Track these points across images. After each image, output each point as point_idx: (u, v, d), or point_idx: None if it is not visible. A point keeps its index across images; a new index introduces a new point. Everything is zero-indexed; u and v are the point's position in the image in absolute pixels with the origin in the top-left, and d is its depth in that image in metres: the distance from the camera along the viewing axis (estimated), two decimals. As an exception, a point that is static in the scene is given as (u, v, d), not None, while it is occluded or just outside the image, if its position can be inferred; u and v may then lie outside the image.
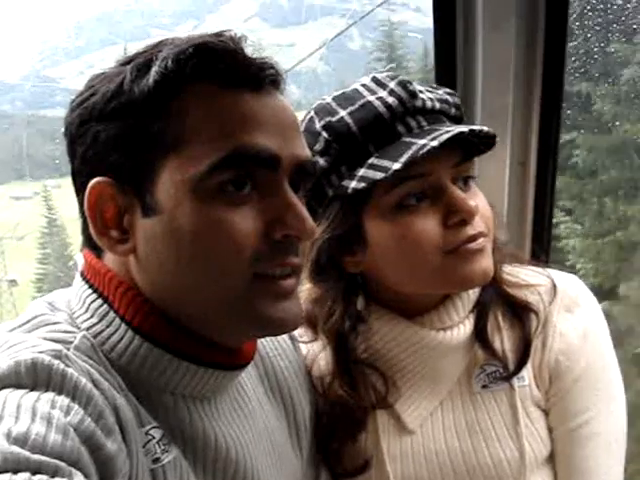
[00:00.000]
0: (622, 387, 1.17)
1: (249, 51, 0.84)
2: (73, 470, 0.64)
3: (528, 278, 1.17)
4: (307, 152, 0.89)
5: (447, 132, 1.00)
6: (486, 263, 1.06)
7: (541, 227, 1.66)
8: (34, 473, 0.60)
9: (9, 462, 0.60)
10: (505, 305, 1.15)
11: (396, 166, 0.99)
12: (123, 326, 0.84)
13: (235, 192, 0.81)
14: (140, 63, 0.82)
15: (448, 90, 1.13)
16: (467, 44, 1.53)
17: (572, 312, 1.14)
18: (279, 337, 1.13)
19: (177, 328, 0.85)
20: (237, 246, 0.80)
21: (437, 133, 1.01)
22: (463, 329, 1.12)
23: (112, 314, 0.85)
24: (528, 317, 1.13)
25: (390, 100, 1.05)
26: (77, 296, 0.89)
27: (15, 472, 0.59)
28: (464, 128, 1.01)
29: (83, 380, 0.74)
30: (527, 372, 1.13)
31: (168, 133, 0.80)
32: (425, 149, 0.98)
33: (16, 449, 0.61)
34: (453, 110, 1.11)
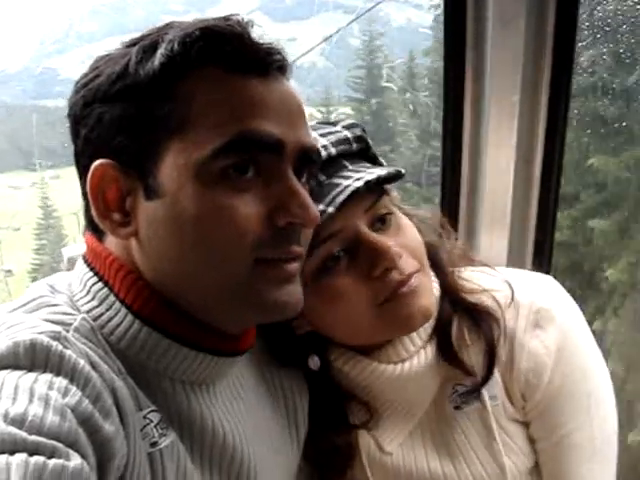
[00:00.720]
0: (609, 391, 1.14)
1: (256, 36, 0.83)
2: (70, 451, 0.64)
3: (482, 283, 1.14)
4: (312, 139, 0.89)
5: (341, 193, 0.97)
6: (424, 301, 1.02)
7: (544, 226, 1.65)
8: (31, 454, 0.60)
9: (6, 443, 0.60)
10: (466, 314, 1.12)
11: None
12: (123, 310, 0.84)
13: (238, 177, 0.80)
14: (146, 45, 0.81)
15: (346, 123, 1.09)
16: (477, 41, 1.53)
17: (542, 327, 1.09)
18: None
19: (177, 313, 0.85)
20: (239, 231, 0.80)
21: (333, 194, 0.97)
22: (424, 355, 1.09)
23: (112, 297, 0.85)
24: (489, 324, 1.09)
25: None
26: (78, 279, 0.89)
27: (12, 453, 0.59)
28: (359, 183, 0.97)
29: (81, 362, 0.74)
30: (499, 391, 1.10)
31: (173, 116, 0.79)
32: (323, 218, 0.94)
33: (13, 430, 0.61)
34: (355, 145, 1.07)
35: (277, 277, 0.84)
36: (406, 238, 1.05)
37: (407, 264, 1.02)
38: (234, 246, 0.80)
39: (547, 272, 1.22)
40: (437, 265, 1.13)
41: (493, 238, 1.68)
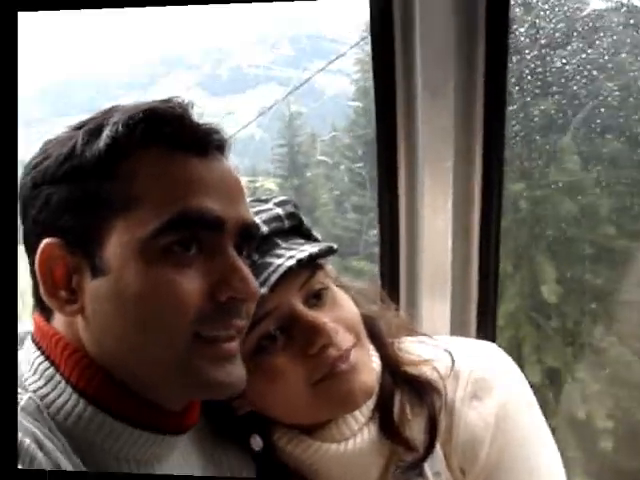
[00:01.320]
0: (556, 465, 1.09)
1: (196, 117, 0.87)
2: None
3: (422, 353, 1.12)
4: (251, 215, 0.92)
5: (274, 272, 0.97)
6: (364, 377, 1.01)
7: (487, 290, 1.65)
8: None
9: None
10: (407, 387, 1.09)
11: None
12: (68, 389, 0.84)
13: (182, 253, 0.82)
14: (92, 128, 0.84)
15: (278, 200, 1.09)
16: (407, 110, 1.55)
17: (479, 398, 1.07)
18: None
19: (122, 390, 0.85)
20: (181, 306, 0.81)
21: (267, 273, 0.97)
22: (367, 433, 1.07)
23: (58, 377, 0.85)
24: (431, 397, 1.08)
25: None
26: (26, 359, 0.89)
27: None
28: (291, 262, 0.97)
29: (27, 441, 0.74)
30: (442, 466, 1.07)
31: (117, 195, 0.81)
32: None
33: None
34: (287, 222, 1.07)
35: (215, 355, 0.85)
36: (342, 312, 1.04)
37: (344, 339, 1.01)
38: (175, 321, 0.81)
39: (493, 339, 1.19)
40: (376, 337, 1.11)
41: (435, 304, 1.67)
